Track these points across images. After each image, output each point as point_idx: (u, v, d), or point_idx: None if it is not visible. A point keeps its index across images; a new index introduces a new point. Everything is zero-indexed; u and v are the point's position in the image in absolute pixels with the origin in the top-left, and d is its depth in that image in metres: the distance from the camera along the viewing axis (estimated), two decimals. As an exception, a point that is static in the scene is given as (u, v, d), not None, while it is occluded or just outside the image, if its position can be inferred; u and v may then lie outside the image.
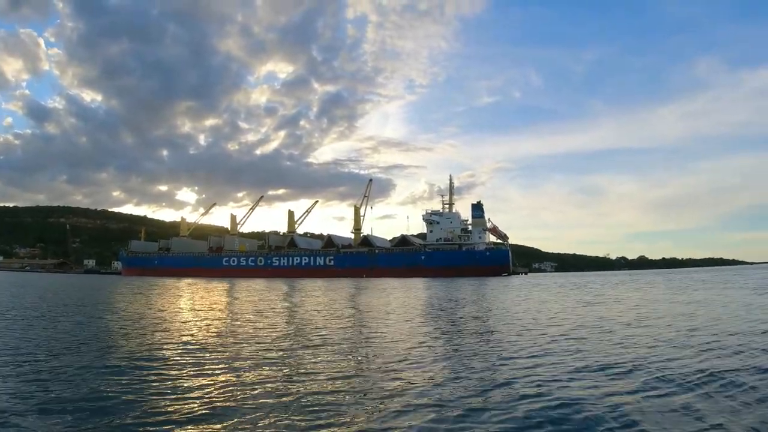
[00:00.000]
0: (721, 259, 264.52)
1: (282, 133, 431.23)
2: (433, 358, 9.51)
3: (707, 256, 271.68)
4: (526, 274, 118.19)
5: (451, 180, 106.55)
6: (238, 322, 15.73)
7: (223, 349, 10.48)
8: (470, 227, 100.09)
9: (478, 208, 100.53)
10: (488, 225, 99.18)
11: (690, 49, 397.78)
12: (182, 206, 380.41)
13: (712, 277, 57.44)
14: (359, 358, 9.46)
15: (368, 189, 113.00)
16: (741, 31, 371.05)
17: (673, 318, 15.44)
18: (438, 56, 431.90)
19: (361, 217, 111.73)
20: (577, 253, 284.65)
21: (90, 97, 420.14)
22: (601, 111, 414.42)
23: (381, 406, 6.25)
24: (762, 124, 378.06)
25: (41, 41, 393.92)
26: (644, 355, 9.36)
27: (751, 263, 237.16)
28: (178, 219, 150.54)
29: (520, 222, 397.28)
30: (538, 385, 7.10)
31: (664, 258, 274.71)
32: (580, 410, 5.90)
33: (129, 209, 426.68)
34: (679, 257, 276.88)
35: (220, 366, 8.72)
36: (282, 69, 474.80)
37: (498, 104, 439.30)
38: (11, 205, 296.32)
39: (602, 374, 7.82)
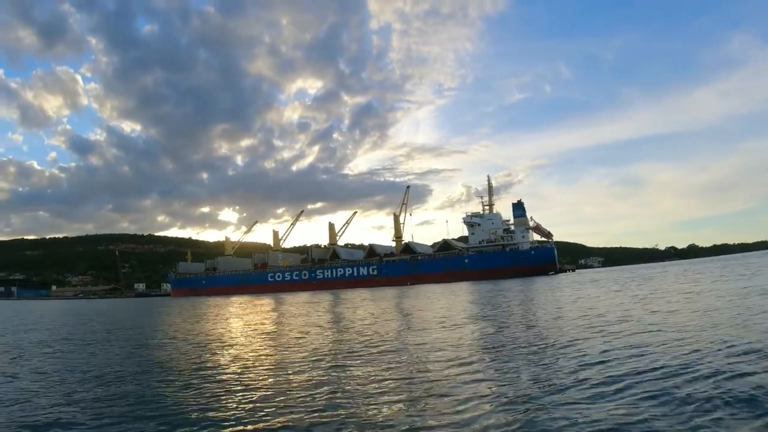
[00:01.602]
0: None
1: (316, 148, 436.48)
2: (489, 367, 9.09)
3: (760, 239, 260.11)
4: (573, 271, 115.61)
5: (489, 180, 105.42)
6: (293, 335, 15.59)
7: (283, 360, 10.31)
8: (512, 227, 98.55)
9: (519, 207, 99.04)
10: (531, 223, 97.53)
11: (720, 27, 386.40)
12: (225, 226, 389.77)
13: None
14: (413, 368, 9.11)
15: (406, 196, 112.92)
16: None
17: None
18: (464, 58, 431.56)
19: (401, 225, 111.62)
20: (624, 245, 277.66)
21: (129, 127, 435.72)
22: (634, 98, 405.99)
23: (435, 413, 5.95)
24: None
25: (78, 77, 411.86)
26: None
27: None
28: (222, 239, 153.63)
29: (562, 218, 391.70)
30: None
31: (714, 245, 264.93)
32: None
33: (174, 232, 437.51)
34: (730, 242, 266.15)
35: (284, 375, 8.54)
36: (311, 85, 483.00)
37: (529, 100, 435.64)
38: (61, 236, 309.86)
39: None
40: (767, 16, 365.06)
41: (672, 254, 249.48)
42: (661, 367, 7.59)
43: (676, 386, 6.46)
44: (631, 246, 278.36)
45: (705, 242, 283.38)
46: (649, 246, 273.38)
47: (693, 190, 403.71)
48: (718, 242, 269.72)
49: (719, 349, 8.58)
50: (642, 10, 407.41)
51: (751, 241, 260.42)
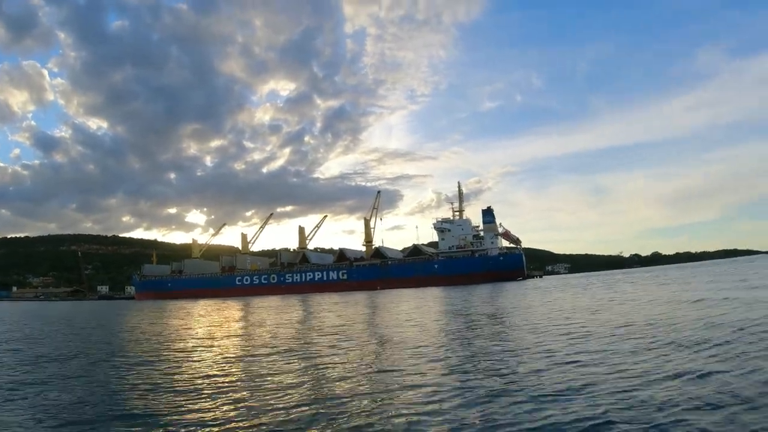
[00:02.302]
0: (735, 250, 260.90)
1: (287, 150, 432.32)
2: (454, 370, 9.04)
3: (721, 248, 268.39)
4: (540, 277, 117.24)
5: (459, 187, 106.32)
6: (261, 339, 15.31)
7: (248, 364, 10.08)
8: (482, 233, 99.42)
9: (488, 214, 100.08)
10: (500, 230, 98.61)
11: (690, 40, 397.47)
12: (192, 228, 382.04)
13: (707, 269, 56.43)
14: (380, 370, 9.00)
15: (377, 201, 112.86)
16: (740, 19, 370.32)
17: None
18: (438, 65, 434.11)
19: (372, 229, 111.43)
20: (590, 253, 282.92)
21: (96, 124, 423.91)
22: (605, 108, 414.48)
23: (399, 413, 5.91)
24: (766, 111, 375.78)
25: (45, 72, 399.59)
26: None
27: (766, 252, 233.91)
28: (189, 241, 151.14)
29: (531, 225, 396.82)
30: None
31: (677, 253, 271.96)
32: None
33: (139, 234, 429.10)
34: (693, 251, 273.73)
35: (246, 380, 8.32)
36: (284, 87, 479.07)
37: (501, 108, 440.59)
38: (23, 235, 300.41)
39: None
40: (735, 31, 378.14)
41: (635, 262, 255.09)
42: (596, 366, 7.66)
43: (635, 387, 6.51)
44: (598, 253, 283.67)
45: (668, 250, 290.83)
46: (614, 253, 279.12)
47: (659, 200, 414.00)
48: (681, 251, 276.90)
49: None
50: (614, 23, 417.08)
51: (712, 250, 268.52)
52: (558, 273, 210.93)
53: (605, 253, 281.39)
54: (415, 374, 8.64)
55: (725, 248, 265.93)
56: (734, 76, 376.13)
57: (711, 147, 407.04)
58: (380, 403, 6.83)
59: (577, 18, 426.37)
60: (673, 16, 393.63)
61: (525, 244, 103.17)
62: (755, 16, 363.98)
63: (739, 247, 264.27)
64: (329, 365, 10.05)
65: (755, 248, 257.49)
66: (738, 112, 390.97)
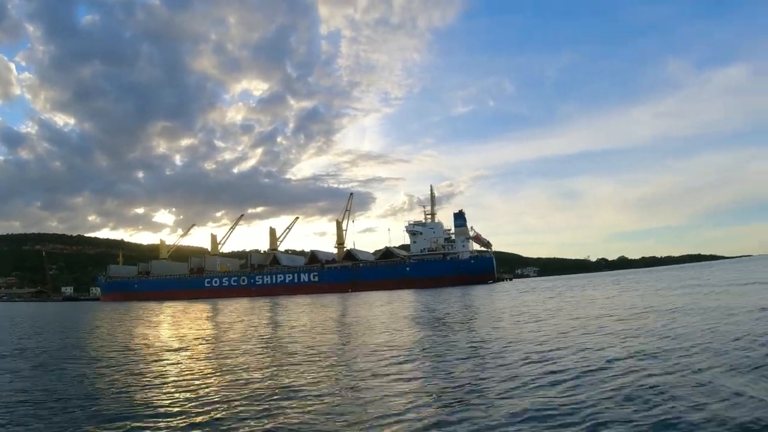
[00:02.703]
0: (699, 255, 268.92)
1: (259, 151, 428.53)
2: (422, 370, 9.05)
3: (686, 253, 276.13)
4: (511, 280, 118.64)
5: (432, 190, 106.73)
6: (230, 342, 15.06)
7: (217, 371, 9.90)
8: (453, 236, 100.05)
9: (460, 217, 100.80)
10: (471, 233, 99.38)
11: (658, 50, 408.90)
12: (160, 228, 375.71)
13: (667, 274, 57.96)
14: (349, 374, 8.94)
15: (349, 203, 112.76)
16: (707, 32, 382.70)
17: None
18: (412, 68, 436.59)
19: (344, 231, 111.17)
20: (559, 256, 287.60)
21: (63, 121, 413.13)
22: (574, 115, 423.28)
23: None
24: (732, 121, 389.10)
25: (12, 66, 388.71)
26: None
27: (729, 257, 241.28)
28: (157, 242, 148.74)
29: (502, 228, 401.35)
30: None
31: (643, 257, 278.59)
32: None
33: (105, 233, 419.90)
34: (658, 255, 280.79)
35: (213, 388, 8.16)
36: (257, 86, 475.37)
37: (473, 113, 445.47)
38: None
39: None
40: (702, 43, 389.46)
41: (602, 265, 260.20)
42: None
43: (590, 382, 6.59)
44: (566, 257, 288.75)
45: (635, 254, 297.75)
46: (581, 257, 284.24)
47: (625, 205, 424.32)
48: (647, 255, 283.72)
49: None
50: (585, 31, 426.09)
51: (677, 255, 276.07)
52: (527, 276, 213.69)
53: (573, 257, 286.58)
54: (386, 376, 8.61)
55: (690, 253, 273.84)
56: (700, 87, 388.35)
57: (676, 155, 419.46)
58: (347, 405, 6.77)
59: (547, 26, 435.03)
60: (642, 27, 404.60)
61: (495, 248, 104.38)
62: (722, 29, 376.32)
63: (703, 252, 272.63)
64: (296, 369, 9.93)
65: (719, 253, 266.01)
66: (702, 122, 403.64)
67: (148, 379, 10.02)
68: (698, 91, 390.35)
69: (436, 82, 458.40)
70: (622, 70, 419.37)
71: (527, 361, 9.68)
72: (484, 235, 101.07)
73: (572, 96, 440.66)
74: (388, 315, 24.61)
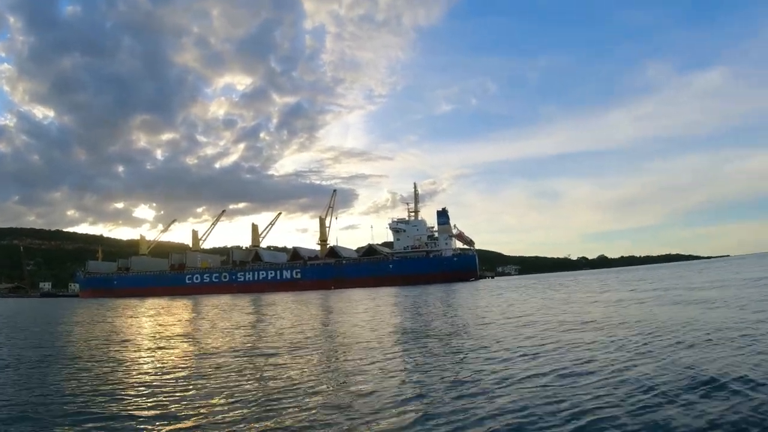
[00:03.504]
0: (678, 254, 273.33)
1: (241, 146, 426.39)
2: (406, 368, 9.02)
3: (664, 253, 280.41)
4: (493, 278, 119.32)
5: (415, 188, 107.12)
6: (211, 340, 14.89)
7: (195, 369, 9.76)
8: (437, 234, 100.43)
9: (443, 215, 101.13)
10: (454, 231, 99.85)
11: (639, 54, 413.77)
12: (140, 224, 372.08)
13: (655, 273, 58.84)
14: (334, 371, 8.89)
15: (333, 200, 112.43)
16: (687, 36, 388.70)
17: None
18: (396, 66, 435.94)
19: (327, 228, 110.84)
20: (539, 255, 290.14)
21: (42, 113, 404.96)
22: (555, 116, 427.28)
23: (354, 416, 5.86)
24: (709, 124, 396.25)
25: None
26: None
27: (707, 257, 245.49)
28: (136, 237, 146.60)
29: (482, 227, 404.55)
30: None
31: (622, 256, 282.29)
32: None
33: (84, 228, 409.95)
34: (637, 255, 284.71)
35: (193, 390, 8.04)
36: (240, 81, 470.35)
37: (456, 112, 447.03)
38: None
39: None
40: (682, 47, 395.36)
41: (583, 264, 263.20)
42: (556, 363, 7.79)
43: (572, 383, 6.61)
44: (546, 255, 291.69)
45: (614, 254, 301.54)
46: (562, 256, 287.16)
47: (604, 205, 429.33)
48: (626, 254, 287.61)
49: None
50: (567, 35, 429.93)
51: (656, 254, 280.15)
52: (509, 274, 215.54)
53: (553, 256, 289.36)
54: (370, 373, 8.56)
55: (668, 253, 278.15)
56: (678, 91, 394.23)
57: (654, 156, 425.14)
58: (329, 401, 6.71)
59: (530, 29, 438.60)
60: (624, 32, 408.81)
61: (476, 246, 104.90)
62: (701, 34, 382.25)
63: (681, 252, 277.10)
64: (279, 367, 9.84)
65: (696, 253, 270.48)
66: (680, 124, 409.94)
67: (128, 377, 9.88)
68: (677, 94, 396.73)
69: (420, 81, 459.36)
70: (604, 73, 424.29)
71: (519, 356, 9.71)
72: (466, 233, 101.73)
73: (554, 98, 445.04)
74: (372, 312, 24.55)
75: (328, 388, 7.79)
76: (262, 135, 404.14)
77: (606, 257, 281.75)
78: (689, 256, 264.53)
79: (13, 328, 24.70)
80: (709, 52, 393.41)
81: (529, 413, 5.85)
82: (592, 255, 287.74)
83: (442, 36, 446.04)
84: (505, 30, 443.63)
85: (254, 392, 7.77)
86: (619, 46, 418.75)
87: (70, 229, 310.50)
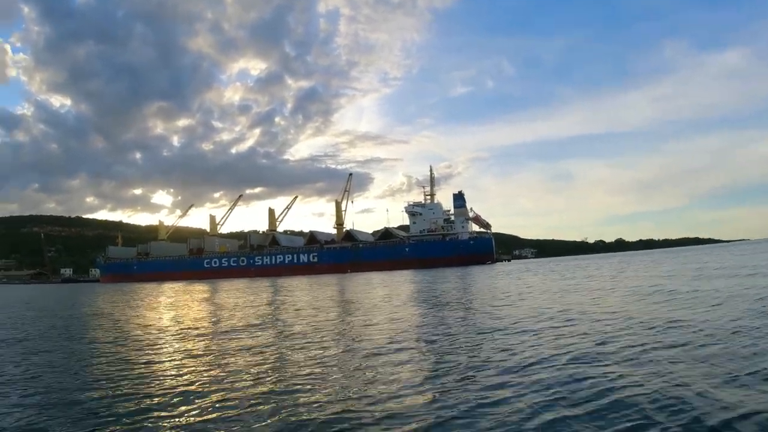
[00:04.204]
0: (697, 238, 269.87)
1: (257, 131, 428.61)
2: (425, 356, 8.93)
3: (683, 236, 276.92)
4: (509, 261, 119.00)
5: (431, 171, 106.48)
6: (233, 323, 14.97)
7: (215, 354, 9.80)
8: (453, 217, 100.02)
9: (459, 198, 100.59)
10: (471, 214, 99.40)
11: (656, 34, 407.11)
12: (158, 209, 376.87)
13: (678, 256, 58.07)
14: (352, 355, 8.83)
15: (348, 183, 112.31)
16: (705, 16, 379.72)
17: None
18: (411, 48, 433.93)
19: (343, 212, 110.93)
20: (555, 238, 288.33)
21: (59, 102, 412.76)
22: (571, 98, 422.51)
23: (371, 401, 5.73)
24: (729, 105, 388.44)
25: (7, 47, 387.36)
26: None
27: (726, 241, 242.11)
28: (155, 223, 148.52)
29: (498, 210, 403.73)
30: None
31: (641, 240, 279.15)
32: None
33: (103, 215, 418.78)
34: (656, 238, 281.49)
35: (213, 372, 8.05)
36: (254, 66, 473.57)
37: (472, 94, 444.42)
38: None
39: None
40: (699, 26, 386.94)
41: (601, 247, 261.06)
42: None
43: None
44: (562, 238, 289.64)
45: (632, 237, 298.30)
46: (578, 239, 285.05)
47: (621, 188, 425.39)
48: (644, 237, 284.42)
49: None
50: (583, 14, 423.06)
51: (674, 237, 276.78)
52: (525, 257, 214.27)
53: (570, 239, 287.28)
54: (387, 357, 8.50)
55: (687, 236, 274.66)
56: (696, 71, 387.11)
57: (672, 138, 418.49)
58: (350, 387, 6.66)
59: (546, 9, 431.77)
60: (640, 11, 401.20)
61: (492, 229, 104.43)
62: (719, 14, 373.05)
63: (700, 236, 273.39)
64: (298, 351, 9.83)
65: (715, 237, 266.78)
66: (698, 105, 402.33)
67: (153, 357, 9.98)
68: (695, 74, 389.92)
69: (435, 63, 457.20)
70: (619, 53, 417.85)
71: (539, 339, 9.59)
72: (482, 216, 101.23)
73: (569, 79, 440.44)
74: (389, 295, 24.53)
75: (345, 370, 7.69)
76: (277, 120, 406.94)
77: (624, 240, 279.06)
78: (708, 239, 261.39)
79: (39, 311, 25.13)
80: (728, 32, 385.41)
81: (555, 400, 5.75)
82: (609, 238, 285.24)
83: (458, 16, 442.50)
84: (521, 9, 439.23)
85: (272, 373, 7.73)
86: (635, 26, 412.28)
87: (90, 216, 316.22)
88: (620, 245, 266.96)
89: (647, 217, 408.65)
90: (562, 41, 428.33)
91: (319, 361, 8.49)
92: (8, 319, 20.24)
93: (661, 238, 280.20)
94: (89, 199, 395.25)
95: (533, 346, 8.62)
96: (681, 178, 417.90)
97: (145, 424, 5.45)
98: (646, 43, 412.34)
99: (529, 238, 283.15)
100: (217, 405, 6.02)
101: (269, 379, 7.30)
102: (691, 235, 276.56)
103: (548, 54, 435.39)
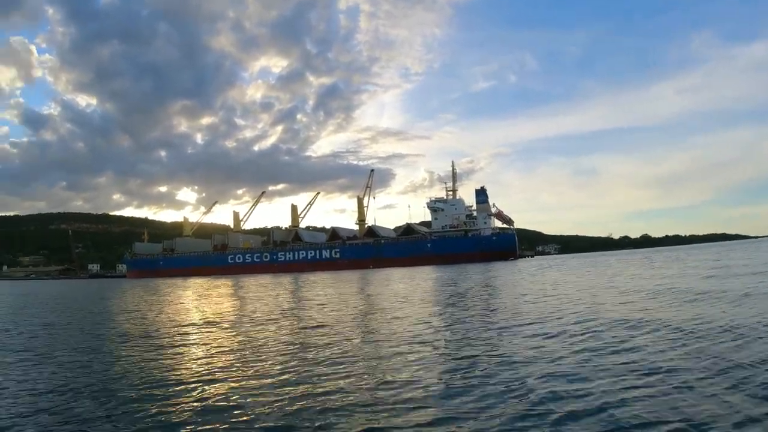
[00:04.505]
0: (724, 234, 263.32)
1: (279, 128, 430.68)
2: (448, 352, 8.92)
3: (710, 232, 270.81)
4: (532, 257, 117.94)
5: (453, 166, 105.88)
6: (258, 319, 15.16)
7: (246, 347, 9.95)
8: (475, 213, 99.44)
9: (482, 194, 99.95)
10: (493, 210, 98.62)
11: (682, 25, 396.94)
12: (183, 206, 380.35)
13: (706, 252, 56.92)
14: (377, 351, 8.87)
15: (370, 179, 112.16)
16: (733, 6, 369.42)
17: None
18: (432, 43, 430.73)
19: (365, 208, 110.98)
20: (579, 234, 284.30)
21: (85, 101, 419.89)
22: (595, 91, 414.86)
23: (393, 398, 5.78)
24: (756, 97, 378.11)
25: (33, 48, 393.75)
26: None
27: (755, 237, 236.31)
28: (180, 219, 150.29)
29: (520, 206, 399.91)
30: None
31: (667, 235, 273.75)
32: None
33: (130, 212, 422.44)
34: (682, 234, 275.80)
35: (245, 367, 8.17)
36: (276, 63, 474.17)
37: (494, 89, 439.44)
38: (12, 213, 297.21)
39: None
40: (728, 16, 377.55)
41: (626, 243, 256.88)
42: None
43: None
44: (586, 234, 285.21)
45: (657, 233, 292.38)
46: (603, 235, 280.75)
47: (646, 182, 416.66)
48: (670, 233, 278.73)
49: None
50: (606, 5, 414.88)
51: (701, 233, 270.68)
52: (549, 253, 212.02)
53: (594, 235, 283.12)
54: (411, 353, 8.53)
55: (714, 232, 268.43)
56: (725, 62, 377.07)
57: (699, 131, 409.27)
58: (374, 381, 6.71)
59: (569, 1, 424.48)
60: (665, 2, 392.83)
61: (515, 225, 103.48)
62: (747, 4, 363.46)
63: (728, 232, 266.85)
64: (321, 346, 9.92)
65: (743, 233, 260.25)
66: (725, 98, 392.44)
67: (182, 350, 10.17)
68: (723, 66, 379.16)
69: (456, 57, 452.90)
70: (645, 45, 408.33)
71: (565, 337, 9.53)
72: (505, 212, 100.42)
73: (593, 72, 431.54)
74: (410, 291, 24.55)
75: (366, 364, 7.74)
76: (298, 117, 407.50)
77: (649, 236, 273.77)
78: (736, 235, 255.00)
79: (68, 306, 25.72)
80: (756, 23, 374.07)
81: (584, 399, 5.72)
82: (635, 234, 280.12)
83: (479, 10, 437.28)
84: (543, 2, 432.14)
85: (297, 368, 7.85)
86: (659, 17, 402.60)
87: (117, 213, 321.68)
88: (646, 241, 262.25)
89: (673, 213, 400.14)
90: (585, 33, 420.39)
91: (341, 353, 8.64)
92: (41, 312, 20.79)
93: (687, 234, 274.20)
94: (116, 197, 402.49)
95: (559, 346, 8.58)
96: (708, 172, 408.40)
97: (172, 408, 5.68)
98: (671, 34, 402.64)
99: (553, 233, 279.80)
100: (240, 393, 6.22)
101: (293, 370, 7.47)
102: (719, 231, 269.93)
103: (571, 47, 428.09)
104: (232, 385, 6.70)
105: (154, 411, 5.62)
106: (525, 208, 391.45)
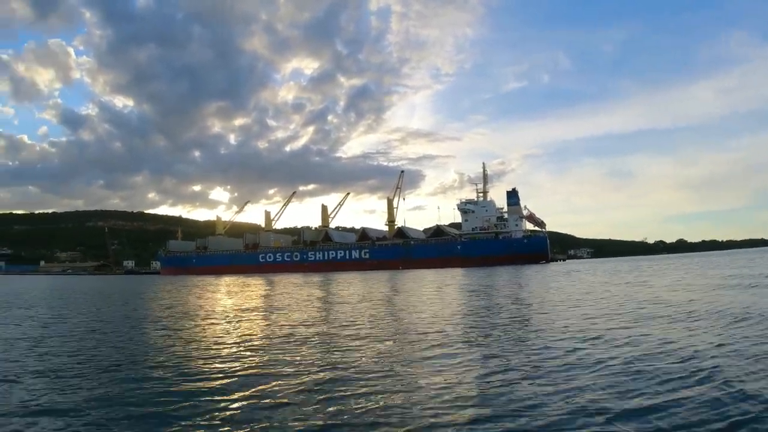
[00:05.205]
0: (763, 239, 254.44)
1: (310, 129, 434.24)
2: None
3: (749, 237, 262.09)
4: (564, 261, 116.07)
5: (484, 168, 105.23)
6: (291, 317, 15.26)
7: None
8: (506, 215, 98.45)
9: (513, 196, 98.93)
10: (524, 212, 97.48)
11: (719, 23, 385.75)
12: (216, 205, 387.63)
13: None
14: (404, 353, 8.79)
15: (400, 180, 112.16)
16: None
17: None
18: (463, 43, 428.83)
19: (394, 209, 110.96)
20: (613, 238, 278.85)
21: (122, 103, 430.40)
22: (630, 91, 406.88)
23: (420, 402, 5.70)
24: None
25: (71, 50, 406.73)
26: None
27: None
28: (213, 218, 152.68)
29: (552, 208, 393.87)
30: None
31: (704, 240, 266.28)
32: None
33: (164, 210, 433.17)
34: (719, 239, 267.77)
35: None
36: (307, 65, 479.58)
37: (525, 89, 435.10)
38: (50, 211, 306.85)
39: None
40: (764, 15, 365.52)
41: (661, 248, 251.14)
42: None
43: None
44: (620, 238, 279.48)
45: (694, 237, 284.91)
46: (637, 239, 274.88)
47: (683, 185, 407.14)
48: (707, 238, 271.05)
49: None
50: (642, 4, 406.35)
51: (739, 239, 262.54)
52: (581, 257, 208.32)
53: (628, 239, 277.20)
54: (437, 358, 8.44)
55: (752, 237, 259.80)
56: (763, 62, 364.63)
57: (739, 132, 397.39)
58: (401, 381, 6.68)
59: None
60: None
61: (547, 227, 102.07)
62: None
63: (767, 237, 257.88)
64: (347, 349, 9.90)
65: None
66: (766, 99, 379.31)
67: (213, 344, 10.29)
68: (761, 66, 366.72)
69: (487, 58, 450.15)
70: (682, 44, 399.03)
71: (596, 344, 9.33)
72: (537, 215, 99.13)
73: (628, 71, 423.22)
74: (440, 293, 24.42)
75: (392, 368, 7.59)
76: (329, 118, 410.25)
77: (685, 241, 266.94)
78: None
79: (106, 301, 26.32)
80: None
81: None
82: (670, 238, 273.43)
83: (511, 9, 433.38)
84: (576, 1, 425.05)
85: (322, 367, 7.80)
86: (698, 15, 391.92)
87: (152, 211, 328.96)
88: (682, 246, 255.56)
89: (711, 216, 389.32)
90: (620, 32, 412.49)
91: (370, 353, 8.67)
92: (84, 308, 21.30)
93: (725, 239, 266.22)
94: (151, 195, 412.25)
95: (590, 352, 8.39)
96: (748, 176, 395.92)
97: (202, 404, 5.77)
98: (710, 33, 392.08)
99: (586, 237, 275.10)
100: (271, 389, 6.32)
101: (321, 368, 7.52)
102: (757, 236, 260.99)
103: (606, 45, 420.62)
104: (277, 382, 6.74)
105: (202, 406, 5.70)
106: (557, 210, 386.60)
